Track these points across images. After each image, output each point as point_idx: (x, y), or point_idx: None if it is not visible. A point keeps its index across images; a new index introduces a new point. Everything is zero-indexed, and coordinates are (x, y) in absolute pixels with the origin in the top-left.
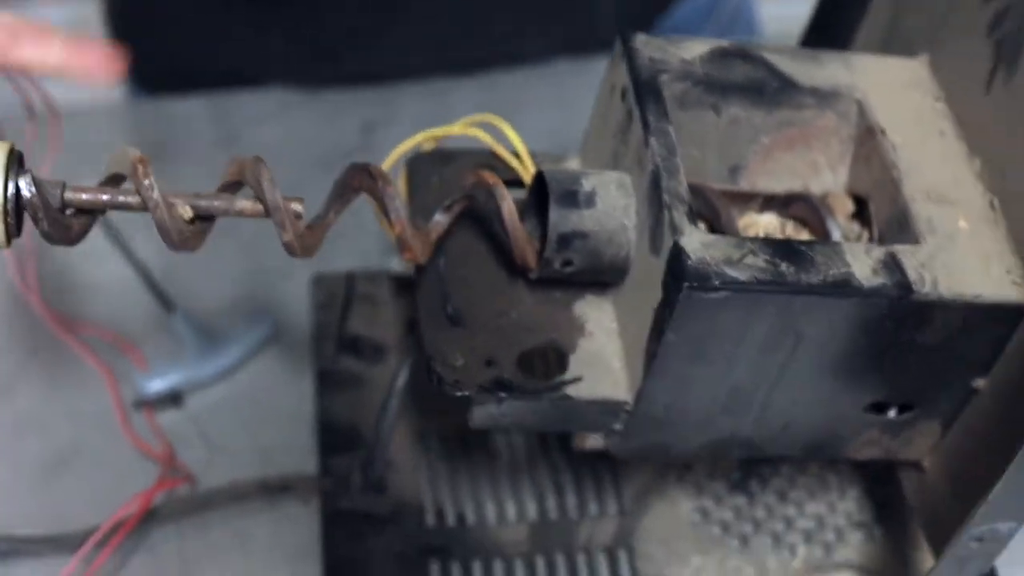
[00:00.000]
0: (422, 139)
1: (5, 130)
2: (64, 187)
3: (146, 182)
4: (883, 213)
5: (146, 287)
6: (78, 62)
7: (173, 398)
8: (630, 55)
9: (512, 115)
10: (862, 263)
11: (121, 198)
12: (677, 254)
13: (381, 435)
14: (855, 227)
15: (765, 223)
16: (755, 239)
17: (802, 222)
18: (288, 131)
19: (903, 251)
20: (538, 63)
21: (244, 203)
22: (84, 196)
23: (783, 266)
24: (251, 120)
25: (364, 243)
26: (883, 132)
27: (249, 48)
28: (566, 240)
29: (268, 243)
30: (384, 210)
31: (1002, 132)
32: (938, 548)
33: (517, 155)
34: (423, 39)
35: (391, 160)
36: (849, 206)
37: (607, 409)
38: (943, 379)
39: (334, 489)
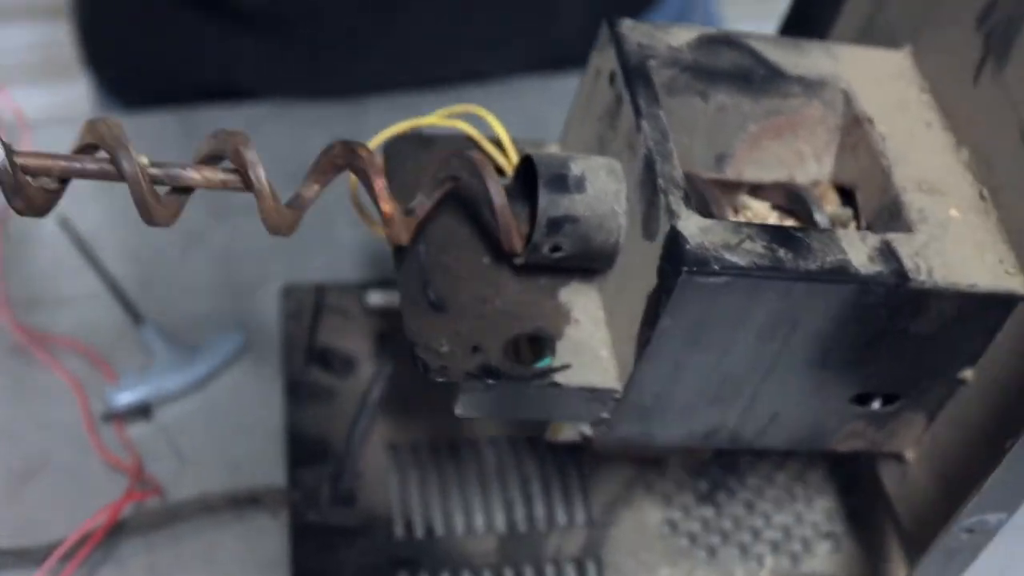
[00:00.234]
0: (402, 128)
1: None
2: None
3: (122, 151)
4: (872, 203)
5: (115, 299)
6: None
7: (142, 410)
8: (618, 40)
9: (481, 130)
10: (858, 250)
11: (96, 166)
12: (675, 238)
13: (351, 447)
14: (842, 217)
15: (754, 211)
16: (751, 224)
17: (788, 212)
18: (258, 145)
19: (898, 239)
20: (505, 79)
21: (223, 175)
22: (54, 162)
23: (781, 252)
24: None
25: (335, 256)
26: (870, 121)
27: (220, 63)
28: (556, 225)
29: (238, 255)
30: (368, 188)
31: (991, 123)
32: (917, 540)
33: (499, 144)
34: (393, 55)
35: (372, 145)
36: (833, 197)
37: (595, 397)
38: (932, 369)
39: (303, 502)
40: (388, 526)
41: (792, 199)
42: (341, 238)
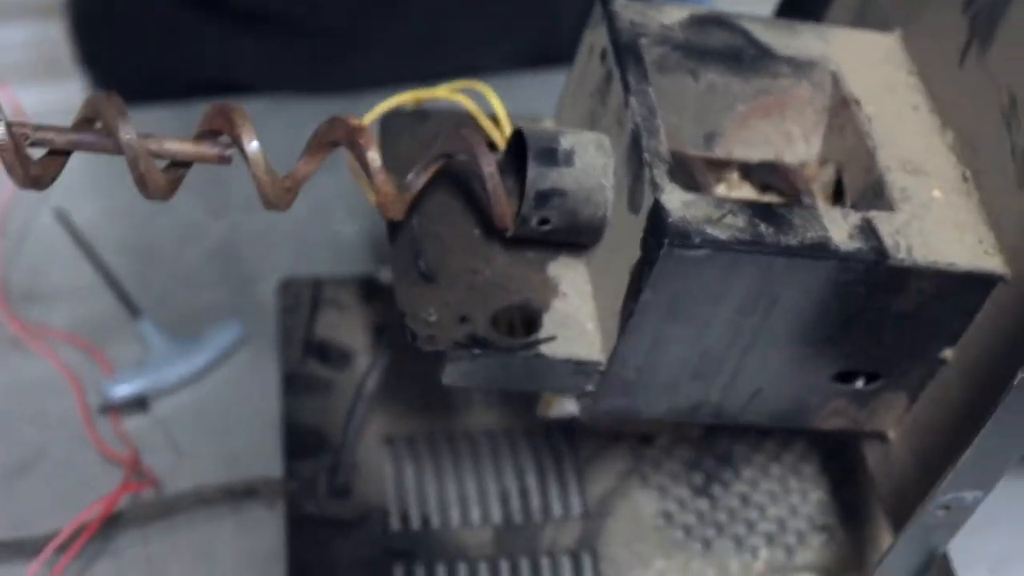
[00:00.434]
0: (402, 100)
1: None
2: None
3: (121, 125)
4: (857, 183)
5: (112, 292)
6: None
7: (139, 403)
8: (610, 17)
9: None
10: (839, 227)
11: (94, 139)
12: (658, 211)
13: (347, 439)
14: (828, 198)
15: (740, 190)
16: (734, 200)
17: (776, 191)
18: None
19: (879, 218)
20: (503, 74)
21: (216, 149)
22: (55, 136)
23: (762, 227)
24: None
25: (332, 250)
26: (857, 103)
27: (216, 61)
28: (544, 197)
29: (236, 248)
30: (362, 163)
31: (975, 105)
32: (900, 521)
33: (495, 120)
34: (390, 52)
35: (371, 117)
36: (821, 177)
37: (580, 369)
38: (912, 348)
39: (299, 493)
40: (384, 518)
41: (781, 179)
42: (339, 232)
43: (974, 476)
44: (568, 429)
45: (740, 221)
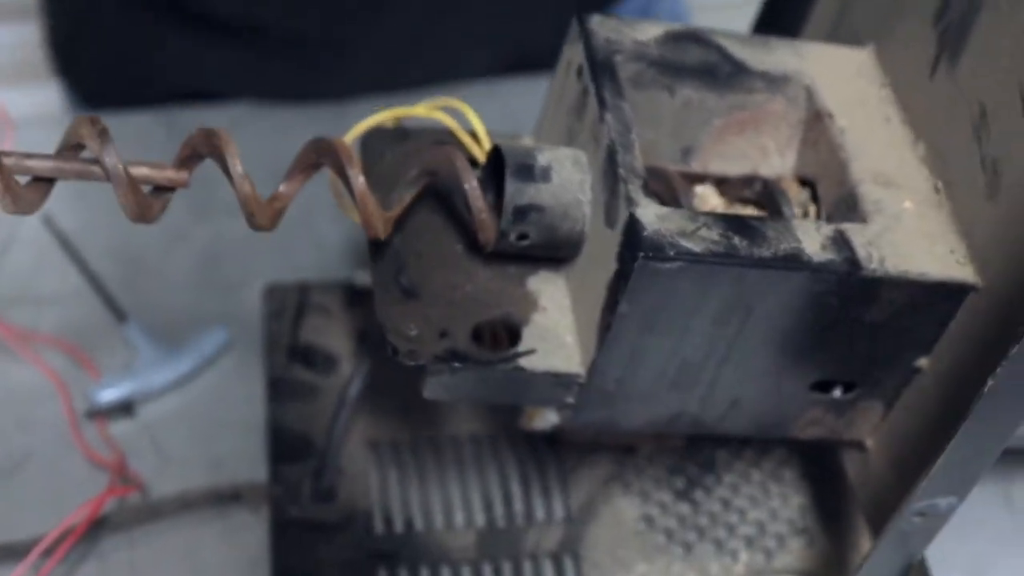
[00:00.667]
0: (382, 118)
1: None
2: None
3: (106, 150)
4: (831, 195)
5: (99, 297)
6: None
7: (125, 407)
8: (586, 34)
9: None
10: (812, 239)
11: (79, 166)
12: (633, 225)
13: (332, 443)
14: (803, 210)
15: (717, 202)
16: (708, 213)
17: (755, 204)
18: (240, 146)
19: (851, 229)
20: (481, 82)
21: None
22: (40, 163)
23: (736, 239)
24: None
25: (317, 254)
26: (831, 116)
27: (194, 70)
28: (522, 213)
29: (221, 253)
30: (345, 183)
31: (946, 119)
32: (878, 527)
33: (474, 136)
34: (369, 59)
35: (352, 136)
36: (797, 190)
37: (560, 382)
38: (887, 357)
39: (284, 497)
40: (368, 521)
41: (760, 192)
42: (324, 236)
43: (948, 483)
44: (551, 434)
45: (714, 234)
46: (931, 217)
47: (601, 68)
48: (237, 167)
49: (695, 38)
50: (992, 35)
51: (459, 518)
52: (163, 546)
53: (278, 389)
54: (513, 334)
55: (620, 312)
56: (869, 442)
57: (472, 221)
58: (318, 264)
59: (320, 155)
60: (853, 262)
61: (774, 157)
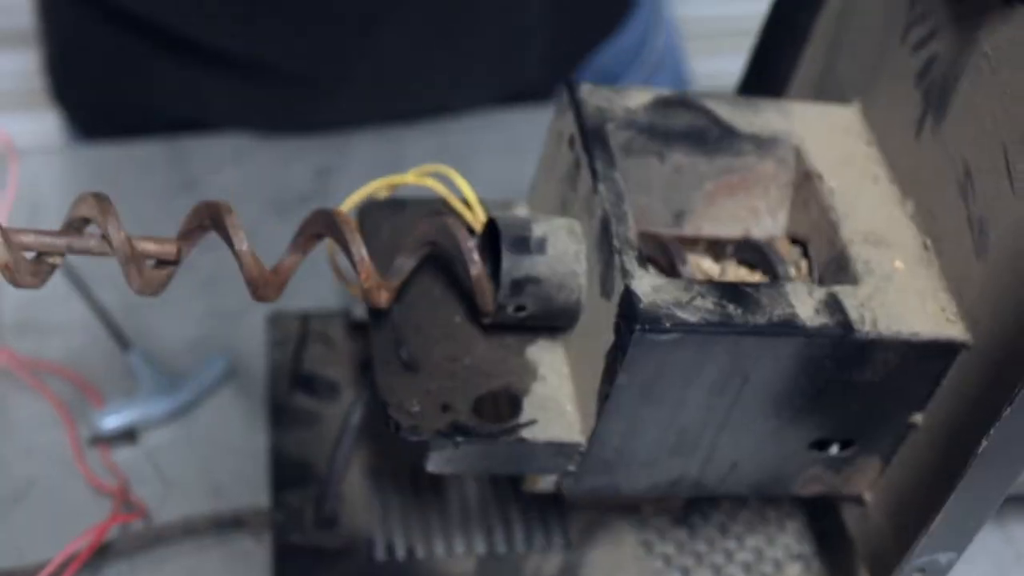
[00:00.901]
0: (375, 187)
1: None
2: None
3: (111, 226)
4: (822, 255)
5: (103, 325)
6: None
7: (128, 435)
8: (577, 104)
9: (462, 161)
10: (805, 304)
11: (85, 242)
12: (628, 297)
13: (334, 470)
14: (795, 267)
15: (711, 266)
16: (703, 282)
17: (750, 265)
18: (242, 175)
19: (843, 291)
20: (469, 114)
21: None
22: (48, 240)
23: (730, 308)
24: (207, 164)
25: (320, 284)
26: (820, 177)
27: (187, 98)
28: (519, 285)
29: (226, 283)
30: (348, 255)
31: (932, 176)
32: None
33: (467, 204)
34: (359, 91)
35: (347, 206)
36: (789, 249)
37: (561, 451)
38: (883, 415)
39: (286, 524)
40: (370, 548)
41: (756, 254)
42: (325, 266)
43: (947, 539)
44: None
45: (708, 303)
46: (921, 275)
47: (592, 138)
48: (242, 243)
49: (684, 103)
50: (975, 96)
51: (460, 545)
52: (166, 573)
53: (280, 416)
54: (514, 404)
55: (619, 383)
56: (868, 497)
57: (474, 291)
58: (320, 293)
59: (322, 227)
60: (846, 325)
61: (765, 218)
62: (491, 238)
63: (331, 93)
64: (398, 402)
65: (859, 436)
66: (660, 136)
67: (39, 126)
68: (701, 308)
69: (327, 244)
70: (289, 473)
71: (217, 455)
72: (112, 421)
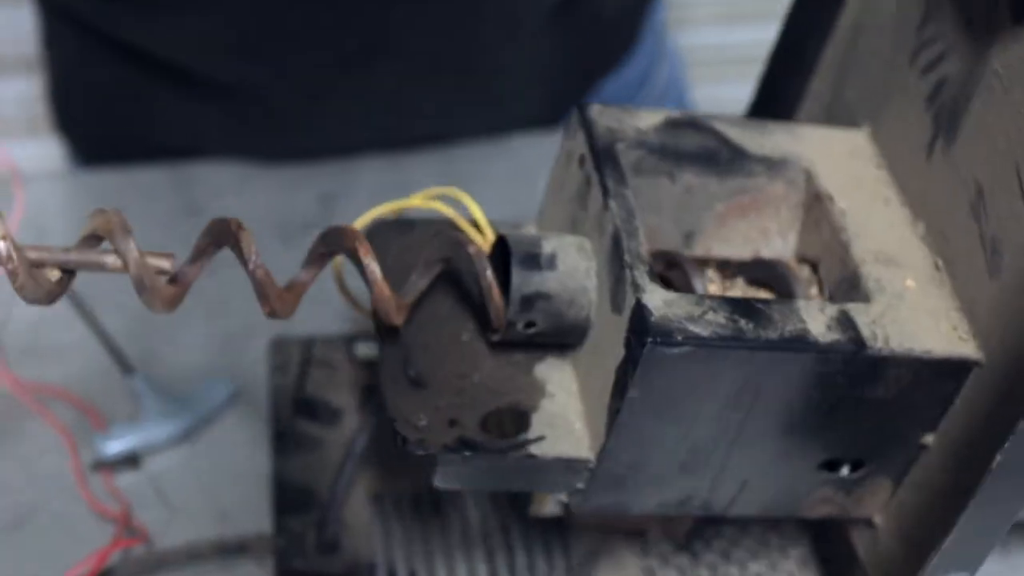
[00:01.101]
0: (384, 211)
1: None
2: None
3: (125, 243)
4: (833, 275)
5: (106, 350)
6: None
7: (131, 459)
8: (587, 124)
9: (467, 187)
10: (817, 320)
11: (99, 258)
12: (640, 310)
13: (336, 496)
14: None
15: (719, 289)
16: (715, 297)
17: (761, 285)
18: (246, 202)
19: (855, 309)
20: (465, 142)
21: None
22: (62, 255)
23: (742, 322)
24: (210, 190)
25: (323, 309)
26: (831, 199)
27: (186, 127)
28: (529, 301)
29: (229, 308)
30: (361, 272)
31: (944, 197)
32: None
33: (476, 225)
34: (355, 118)
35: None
36: (799, 269)
37: (570, 467)
38: (894, 434)
39: (289, 549)
40: (371, 573)
41: (769, 272)
42: (330, 291)
43: (959, 559)
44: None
45: (720, 317)
46: (933, 294)
47: (603, 156)
48: (255, 259)
49: (694, 124)
50: (987, 115)
51: (462, 570)
52: None
53: (283, 441)
54: (522, 421)
55: (629, 398)
56: (878, 519)
57: (486, 305)
58: (323, 318)
59: (335, 245)
60: (858, 341)
61: (776, 239)
62: (501, 256)
63: (329, 124)
64: (405, 417)
65: (871, 456)
66: (671, 156)
67: (45, 151)
68: (713, 322)
69: (332, 266)
70: (292, 498)
71: (221, 480)
72: (115, 446)
